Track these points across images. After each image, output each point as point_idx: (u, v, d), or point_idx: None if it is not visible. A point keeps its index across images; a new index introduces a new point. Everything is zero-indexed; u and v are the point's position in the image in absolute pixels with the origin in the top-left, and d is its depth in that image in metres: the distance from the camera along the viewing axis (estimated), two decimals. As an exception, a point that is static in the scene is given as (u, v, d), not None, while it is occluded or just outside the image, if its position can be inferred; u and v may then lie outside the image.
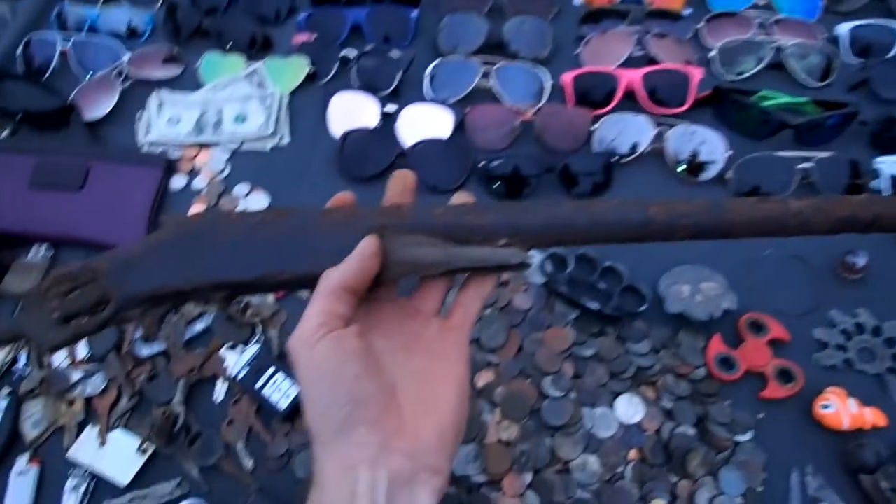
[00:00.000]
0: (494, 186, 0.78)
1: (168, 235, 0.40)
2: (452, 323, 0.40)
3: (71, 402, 0.66)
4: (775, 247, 0.72)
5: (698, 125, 0.78)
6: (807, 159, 0.75)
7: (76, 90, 0.85)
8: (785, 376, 0.64)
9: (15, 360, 0.68)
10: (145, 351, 0.68)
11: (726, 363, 0.65)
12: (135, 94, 0.87)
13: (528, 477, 0.60)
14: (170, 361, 0.67)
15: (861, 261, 0.70)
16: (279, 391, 0.63)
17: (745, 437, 0.62)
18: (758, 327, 0.67)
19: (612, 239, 0.40)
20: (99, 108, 0.85)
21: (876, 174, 0.76)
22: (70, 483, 0.61)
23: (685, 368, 0.65)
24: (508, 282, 0.70)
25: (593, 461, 0.60)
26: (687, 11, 0.94)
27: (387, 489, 0.33)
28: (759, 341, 0.66)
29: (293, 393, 0.63)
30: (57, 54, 0.90)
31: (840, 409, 0.62)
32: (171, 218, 0.41)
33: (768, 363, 0.65)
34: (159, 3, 0.96)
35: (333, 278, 0.36)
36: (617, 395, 0.64)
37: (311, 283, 0.37)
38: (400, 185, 0.42)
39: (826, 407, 0.62)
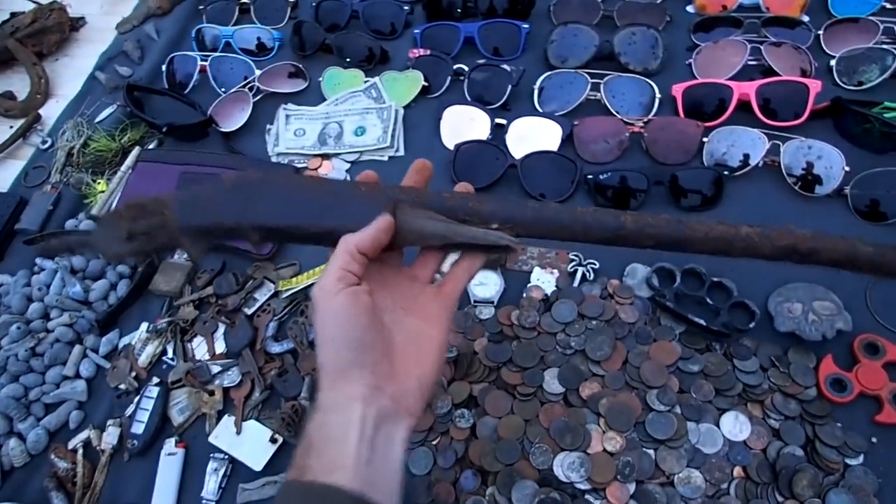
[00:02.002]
0: (602, 199, 0.79)
1: (228, 184, 0.47)
2: (444, 290, 0.47)
3: (211, 393, 0.73)
4: (895, 266, 0.70)
5: (815, 139, 0.77)
6: (933, 175, 0.72)
7: (214, 104, 0.93)
8: (902, 401, 0.63)
9: (164, 352, 0.77)
10: (276, 349, 0.75)
11: (839, 384, 0.64)
12: (264, 107, 0.95)
13: (632, 487, 0.62)
14: (297, 359, 0.74)
15: None
16: (396, 391, 0.68)
17: (856, 461, 0.61)
18: (874, 349, 0.66)
19: (589, 238, 0.47)
20: (234, 120, 0.93)
21: None
22: (211, 465, 0.69)
23: (795, 388, 0.65)
24: (614, 294, 0.72)
25: (697, 476, 0.62)
26: (806, 18, 0.91)
27: (374, 420, 0.40)
28: (874, 363, 0.65)
29: (409, 393, 0.68)
30: (196, 71, 0.99)
31: (962, 440, 0.60)
32: (232, 174, 0.48)
33: (884, 386, 0.64)
34: (285, 20, 1.04)
35: (351, 242, 0.43)
36: (723, 411, 0.64)
37: (333, 240, 0.44)
38: (418, 171, 0.51)
39: (947, 436, 0.60)
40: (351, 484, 0.38)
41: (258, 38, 1.03)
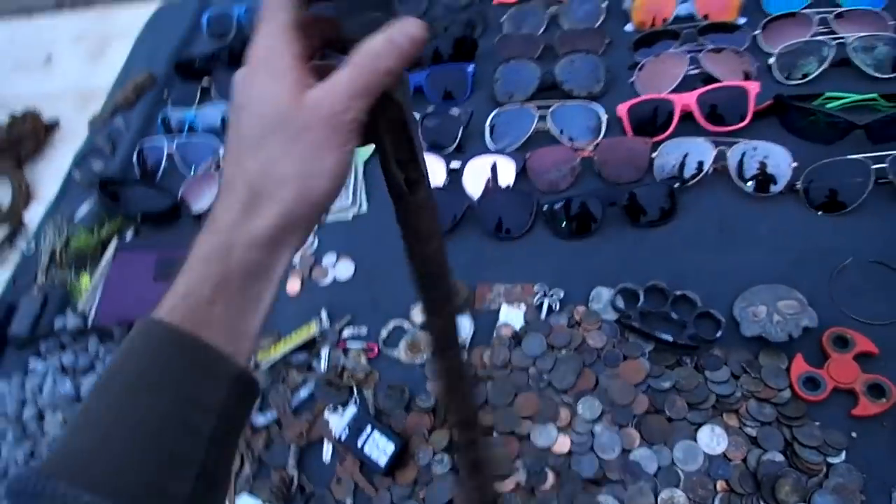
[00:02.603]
0: (562, 226, 0.80)
1: None
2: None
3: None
4: (853, 254, 0.70)
5: (762, 139, 0.77)
6: (881, 159, 0.72)
7: (182, 187, 0.96)
8: (876, 391, 0.62)
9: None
10: (261, 420, 0.76)
11: (812, 383, 0.64)
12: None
13: (615, 517, 0.62)
14: (281, 427, 0.75)
15: (952, 259, 0.67)
16: (377, 448, 0.69)
17: (838, 459, 0.61)
18: (843, 342, 0.65)
19: None
20: (204, 199, 0.96)
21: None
22: (209, 543, 0.70)
23: (768, 392, 0.64)
24: (581, 321, 0.73)
25: (681, 496, 0.61)
26: (742, 20, 0.93)
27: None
28: (845, 357, 0.65)
29: (390, 449, 0.69)
30: (164, 156, 1.03)
31: (941, 423, 0.59)
32: None
33: (857, 379, 0.63)
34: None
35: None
36: (698, 426, 0.64)
37: None
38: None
39: (924, 421, 0.60)
40: (171, 317, 0.31)
41: (223, 115, 1.07)
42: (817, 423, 0.63)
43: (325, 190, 0.32)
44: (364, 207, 0.90)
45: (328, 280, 0.85)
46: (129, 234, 0.98)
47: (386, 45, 0.31)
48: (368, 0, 0.31)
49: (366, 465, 0.70)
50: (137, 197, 1.00)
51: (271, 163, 0.31)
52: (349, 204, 0.90)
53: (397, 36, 0.31)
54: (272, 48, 0.31)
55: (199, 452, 0.30)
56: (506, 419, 0.68)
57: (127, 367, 0.31)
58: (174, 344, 0.31)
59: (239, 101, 0.32)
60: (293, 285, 0.86)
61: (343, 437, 0.71)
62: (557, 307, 0.75)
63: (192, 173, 0.99)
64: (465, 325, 0.76)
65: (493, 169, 0.86)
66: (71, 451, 0.29)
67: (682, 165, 0.80)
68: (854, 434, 0.62)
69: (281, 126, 0.31)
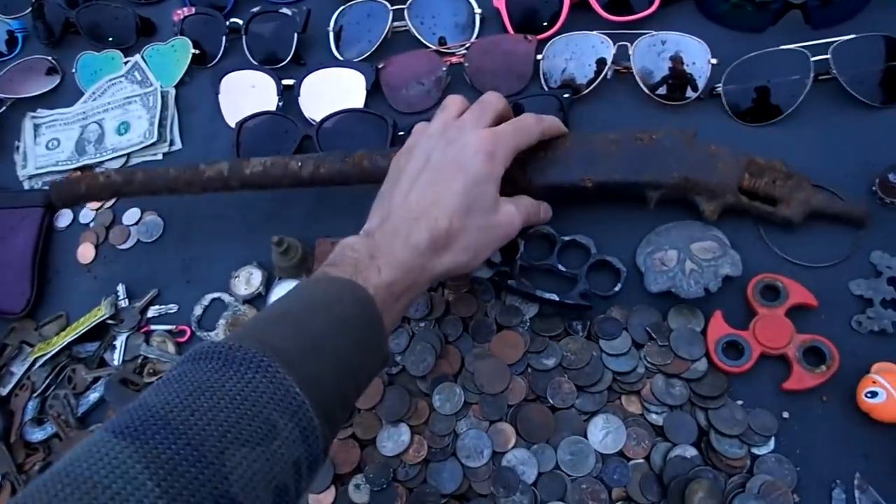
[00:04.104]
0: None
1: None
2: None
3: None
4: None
5: (671, 31, 0.59)
6: (822, 48, 0.56)
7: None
8: (814, 356, 0.48)
9: None
10: (37, 435, 0.58)
11: (734, 349, 0.49)
12: (13, 119, 0.76)
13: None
14: (63, 443, 0.57)
15: (908, 178, 0.51)
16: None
17: (765, 450, 0.47)
18: (773, 293, 0.50)
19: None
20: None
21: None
22: None
23: (678, 365, 0.49)
24: (444, 284, 0.56)
25: (565, 509, 0.47)
26: None
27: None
28: (775, 312, 0.49)
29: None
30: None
31: (893, 394, 0.45)
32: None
33: (790, 341, 0.48)
34: (29, 8, 0.82)
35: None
36: (590, 416, 0.49)
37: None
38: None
39: (873, 395, 0.46)
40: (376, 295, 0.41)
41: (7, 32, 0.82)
42: (740, 403, 0.48)
43: (480, 263, 0.49)
44: (177, 144, 0.69)
45: (129, 243, 0.65)
46: None
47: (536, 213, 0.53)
48: None
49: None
50: None
51: (469, 231, 0.45)
52: (155, 139, 0.69)
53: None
54: (491, 177, 0.47)
55: (364, 382, 0.41)
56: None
57: (339, 308, 0.39)
58: (374, 318, 0.40)
59: (460, 164, 0.46)
60: (85, 251, 0.66)
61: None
62: (417, 264, 0.58)
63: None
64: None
65: (340, 84, 0.66)
66: (280, 349, 0.35)
67: (576, 69, 0.62)
68: (786, 414, 0.48)
69: (485, 219, 0.47)
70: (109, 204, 0.67)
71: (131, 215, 0.66)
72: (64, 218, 0.68)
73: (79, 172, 0.69)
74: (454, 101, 0.51)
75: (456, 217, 0.44)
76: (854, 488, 0.45)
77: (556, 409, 0.50)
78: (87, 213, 0.67)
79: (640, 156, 0.52)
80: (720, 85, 0.58)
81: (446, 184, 0.45)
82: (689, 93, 0.59)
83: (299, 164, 0.58)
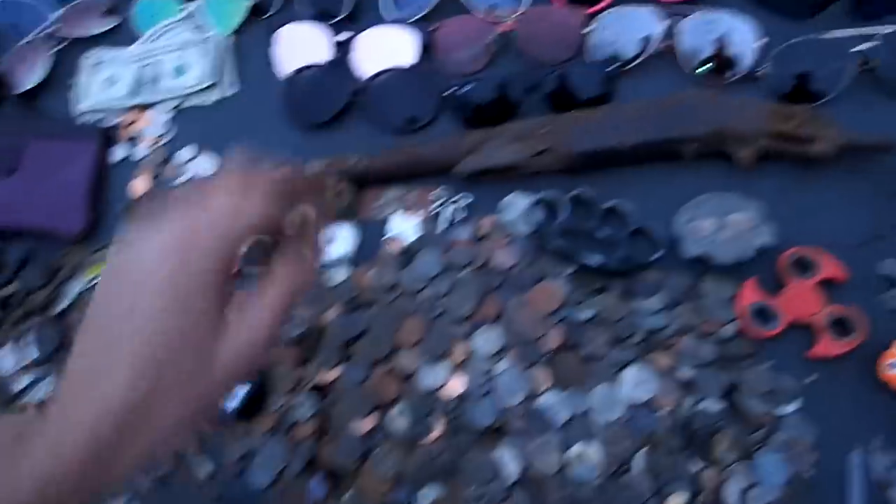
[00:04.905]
0: (473, 116, 0.64)
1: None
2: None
3: (23, 409, 0.60)
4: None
5: (721, 10, 0.61)
6: (867, 38, 0.58)
7: (2, 60, 0.76)
8: (841, 327, 0.50)
9: (-40, 370, 0.63)
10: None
11: (763, 315, 0.52)
12: (70, 57, 0.78)
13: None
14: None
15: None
16: (225, 390, 0.55)
17: (788, 409, 0.49)
18: (804, 266, 0.53)
19: None
20: (30, 76, 0.76)
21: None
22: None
23: (710, 326, 0.52)
24: (487, 236, 0.58)
25: (595, 452, 0.49)
26: None
27: None
28: (805, 283, 0.52)
29: (241, 389, 0.54)
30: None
31: (915, 366, 0.48)
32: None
33: (819, 311, 0.51)
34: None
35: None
36: (622, 367, 0.52)
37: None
38: None
39: (895, 367, 0.48)
40: None
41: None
42: (767, 365, 0.50)
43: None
44: (233, 88, 0.72)
45: (183, 180, 0.68)
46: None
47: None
48: None
49: (212, 410, 0.55)
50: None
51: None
52: (212, 83, 0.71)
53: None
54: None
55: None
56: (386, 352, 0.54)
57: None
58: None
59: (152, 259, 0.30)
60: (139, 185, 0.68)
61: (185, 377, 0.56)
62: (461, 217, 0.60)
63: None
64: (347, 238, 0.61)
65: (392, 44, 0.68)
66: None
67: (623, 43, 0.64)
68: (810, 379, 0.50)
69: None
70: (165, 141, 0.69)
71: (186, 152, 0.68)
72: (119, 151, 0.70)
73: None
74: None
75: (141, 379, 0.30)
76: (872, 452, 0.48)
77: (589, 359, 0.52)
78: (142, 149, 0.70)
79: (672, 114, 0.56)
80: (763, 68, 0.60)
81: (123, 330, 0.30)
82: (731, 73, 0.61)
83: (355, 160, 0.61)
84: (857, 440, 0.48)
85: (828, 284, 0.52)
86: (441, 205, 0.60)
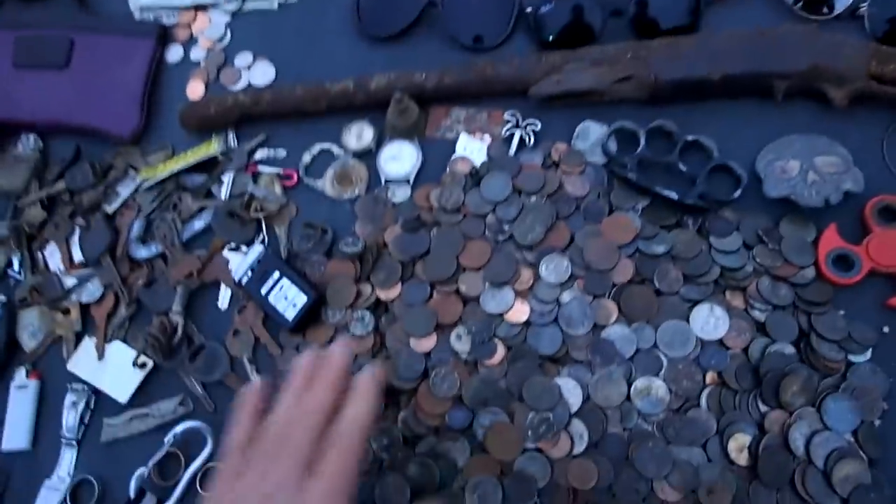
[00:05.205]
0: (549, 38, 0.61)
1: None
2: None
3: (66, 311, 0.60)
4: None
5: (824, -58, 0.58)
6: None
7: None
8: (924, 279, 0.49)
9: (9, 264, 0.62)
10: (142, 253, 0.60)
11: (844, 262, 0.50)
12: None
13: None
14: (168, 265, 0.59)
15: None
16: (285, 299, 0.54)
17: (862, 358, 0.48)
18: (890, 214, 0.51)
19: None
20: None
21: None
22: (69, 398, 0.56)
23: (787, 269, 0.50)
24: (559, 162, 0.56)
25: (660, 386, 0.49)
26: None
27: None
28: (890, 232, 0.50)
29: (300, 301, 0.54)
30: None
31: None
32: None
33: (902, 262, 0.49)
34: None
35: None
36: (694, 304, 0.50)
37: None
38: None
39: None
40: None
41: None
42: (842, 313, 0.49)
43: None
44: (295, -7, 0.69)
45: (240, 86, 0.66)
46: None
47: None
48: None
49: (270, 317, 0.55)
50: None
51: None
52: (273, -14, 0.68)
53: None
54: None
55: None
56: (449, 274, 0.53)
57: None
58: None
59: None
60: (195, 89, 0.66)
61: (244, 282, 0.56)
62: (532, 142, 0.58)
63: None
64: (412, 155, 0.59)
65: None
66: None
67: (716, -30, 0.60)
68: (886, 329, 0.49)
69: None
70: (223, 44, 0.67)
71: (244, 58, 0.66)
72: (175, 52, 0.68)
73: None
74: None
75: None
76: (943, 405, 0.47)
77: (660, 294, 0.51)
78: (199, 51, 0.67)
79: (766, 48, 0.54)
80: (863, 6, 0.57)
81: None
82: (829, 10, 0.58)
83: (423, 76, 0.59)
84: (929, 393, 0.47)
85: (914, 236, 0.50)
86: (512, 127, 0.58)
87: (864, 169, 0.51)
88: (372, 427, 0.39)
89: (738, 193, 0.53)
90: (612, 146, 0.56)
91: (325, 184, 0.60)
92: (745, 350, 0.49)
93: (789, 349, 0.48)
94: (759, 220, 0.52)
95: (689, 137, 0.55)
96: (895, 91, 0.53)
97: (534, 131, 0.58)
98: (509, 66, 0.59)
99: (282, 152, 0.62)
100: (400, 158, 0.59)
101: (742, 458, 0.46)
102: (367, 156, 0.60)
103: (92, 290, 0.59)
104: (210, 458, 0.53)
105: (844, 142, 0.52)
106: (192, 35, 0.69)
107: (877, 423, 0.47)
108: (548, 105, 0.59)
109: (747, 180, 0.53)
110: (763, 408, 0.48)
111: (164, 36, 0.68)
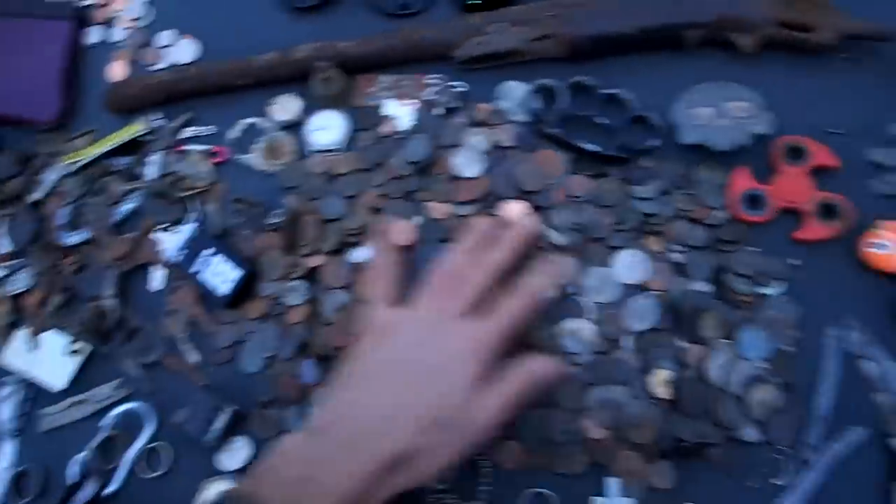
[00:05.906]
0: (470, 1, 0.62)
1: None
2: None
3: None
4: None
5: None
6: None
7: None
8: (828, 212, 0.51)
9: (-63, 257, 0.61)
10: (72, 239, 0.59)
11: (754, 201, 0.52)
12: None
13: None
14: (99, 249, 0.59)
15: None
16: (219, 275, 0.54)
17: (774, 291, 0.51)
18: (797, 153, 0.53)
19: None
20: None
21: None
22: (3, 392, 0.56)
23: (702, 212, 0.53)
24: (484, 121, 0.57)
25: (587, 328, 0.51)
26: None
27: None
28: (797, 170, 0.53)
29: (234, 276, 0.54)
30: None
31: (894, 248, 0.49)
32: None
33: (809, 198, 0.52)
34: None
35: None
36: (616, 250, 0.52)
37: None
38: None
39: (877, 246, 0.50)
40: None
41: None
42: (755, 250, 0.52)
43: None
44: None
45: (164, 65, 0.65)
46: None
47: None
48: None
49: (205, 295, 0.55)
50: None
51: (435, 448, 0.37)
52: (191, -38, 0.67)
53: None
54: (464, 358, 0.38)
55: None
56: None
57: None
58: None
59: (439, 369, 0.38)
60: (118, 70, 0.65)
61: (177, 261, 0.56)
62: (459, 104, 0.59)
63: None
64: (338, 126, 0.60)
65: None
66: None
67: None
68: (796, 262, 0.52)
69: (457, 434, 0.37)
70: (144, 24, 0.66)
71: (167, 36, 0.65)
72: (95, 34, 0.67)
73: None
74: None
75: (422, 434, 0.37)
76: (848, 329, 0.50)
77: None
78: (120, 31, 0.66)
79: (676, 1, 0.56)
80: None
81: (416, 392, 0.38)
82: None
83: (347, 45, 0.59)
84: (836, 318, 0.50)
85: (820, 172, 0.53)
86: (437, 91, 0.59)
87: (775, 111, 0.53)
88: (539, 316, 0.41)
89: (654, 142, 0.55)
90: (535, 104, 0.57)
91: (255, 158, 0.60)
92: (666, 291, 0.51)
93: (706, 287, 0.51)
94: (675, 167, 0.54)
95: (608, 91, 0.57)
96: (802, 36, 0.55)
97: (461, 93, 0.59)
98: (432, 30, 0.59)
99: (210, 129, 0.62)
100: (327, 128, 0.60)
101: (664, 394, 0.49)
102: (296, 127, 0.61)
103: (22, 280, 0.59)
104: (151, 439, 0.53)
105: (756, 87, 0.55)
106: (111, 15, 0.67)
107: (789, 349, 0.49)
108: (472, 67, 0.60)
109: (665, 129, 0.55)
110: (682, 345, 0.50)
111: (82, 17, 0.67)
